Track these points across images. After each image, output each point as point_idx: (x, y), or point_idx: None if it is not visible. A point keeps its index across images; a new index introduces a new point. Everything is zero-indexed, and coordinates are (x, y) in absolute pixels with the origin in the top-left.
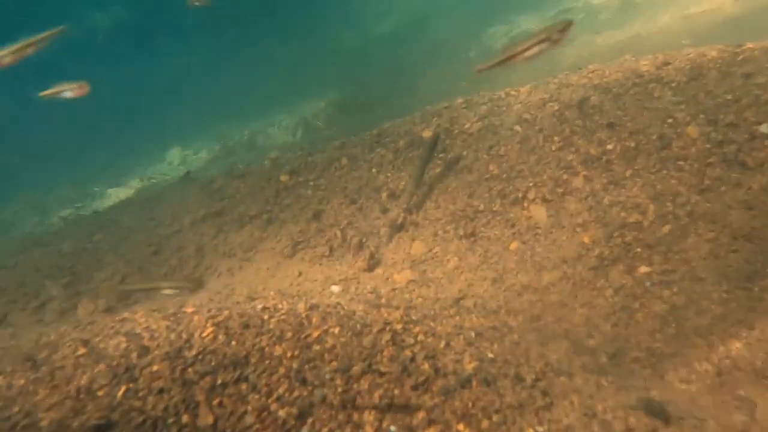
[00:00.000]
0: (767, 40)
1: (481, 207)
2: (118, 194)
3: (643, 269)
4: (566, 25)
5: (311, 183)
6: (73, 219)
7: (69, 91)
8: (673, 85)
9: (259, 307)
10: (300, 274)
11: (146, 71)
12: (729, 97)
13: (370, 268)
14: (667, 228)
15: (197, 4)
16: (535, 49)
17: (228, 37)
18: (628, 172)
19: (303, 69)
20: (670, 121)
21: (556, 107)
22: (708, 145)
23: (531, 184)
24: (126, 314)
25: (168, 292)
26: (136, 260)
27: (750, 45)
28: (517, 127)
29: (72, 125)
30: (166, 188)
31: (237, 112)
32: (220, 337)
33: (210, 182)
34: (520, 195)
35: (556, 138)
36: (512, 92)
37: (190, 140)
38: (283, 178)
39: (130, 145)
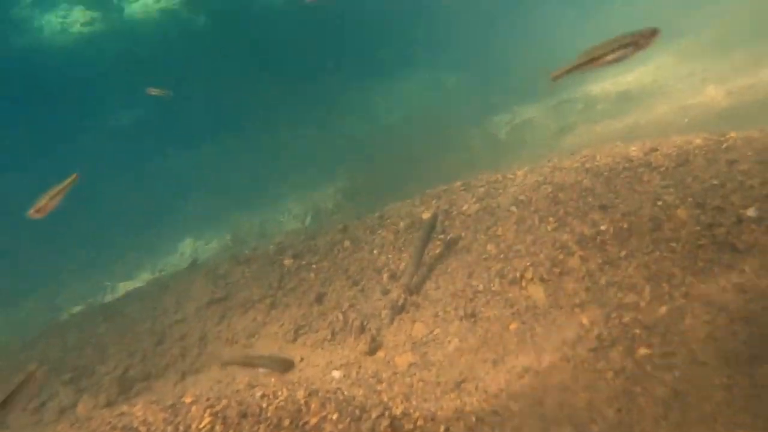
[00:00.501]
0: (750, 130)
1: (481, 287)
2: (129, 288)
3: (643, 351)
4: (654, 32)
5: (314, 266)
6: (80, 312)
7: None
8: (661, 169)
9: (258, 394)
10: (302, 359)
11: (162, 165)
12: (715, 182)
13: (372, 352)
14: (664, 309)
15: (154, 93)
16: (619, 53)
17: (241, 128)
18: (623, 253)
19: (313, 157)
20: (660, 203)
21: (550, 189)
22: (698, 228)
23: (528, 264)
24: (125, 408)
25: (261, 370)
26: (139, 351)
27: (733, 134)
28: (513, 209)
29: (87, 220)
30: (173, 277)
31: (248, 201)
32: (217, 427)
33: (215, 268)
34: (518, 275)
35: (551, 219)
36: (509, 175)
37: (202, 231)
38: (287, 262)
39: (144, 238)
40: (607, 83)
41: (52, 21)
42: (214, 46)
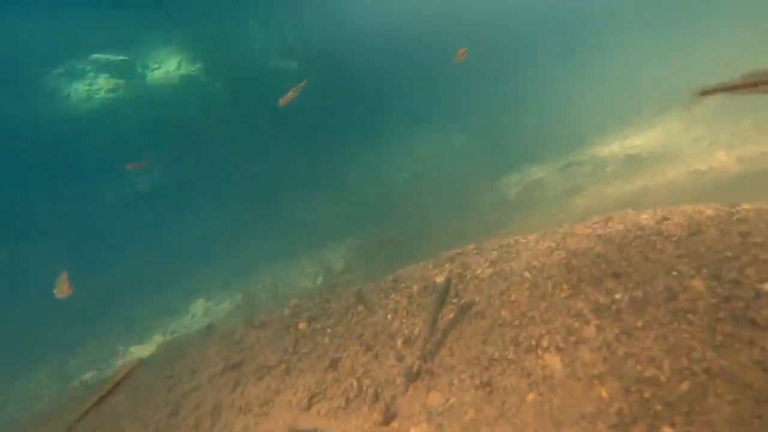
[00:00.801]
0: (761, 202)
1: (496, 355)
2: (141, 352)
3: (667, 431)
4: None
5: (329, 330)
6: (92, 382)
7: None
8: (674, 239)
9: None
10: (316, 430)
11: (177, 229)
12: (729, 254)
13: (386, 422)
14: (685, 385)
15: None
16: None
17: (253, 191)
18: (639, 323)
19: (325, 216)
20: (674, 273)
21: (563, 255)
22: (715, 300)
23: (544, 332)
24: None
25: None
26: (153, 423)
27: (745, 206)
28: (527, 274)
29: (97, 286)
30: (188, 342)
31: (260, 260)
32: None
33: (231, 333)
34: (533, 342)
35: (565, 285)
36: (521, 240)
37: (213, 291)
38: (302, 326)
39: (154, 299)
40: (615, 146)
41: (79, 89)
42: (230, 110)
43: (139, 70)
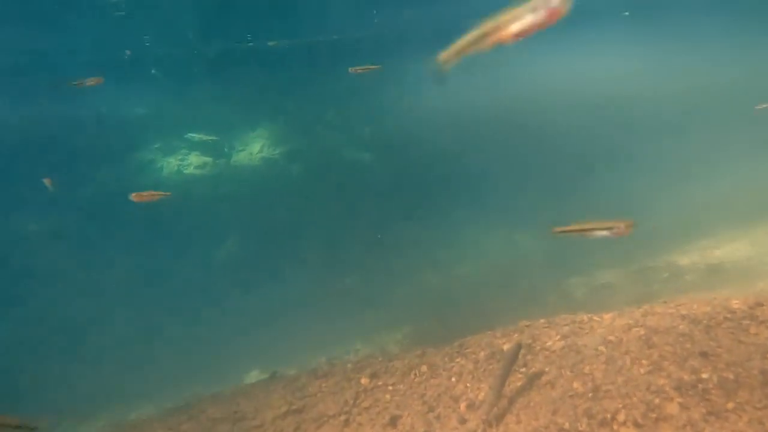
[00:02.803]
0: None
1: (567, 425)
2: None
3: None
4: None
5: (390, 387)
6: (165, 410)
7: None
8: None
9: None
10: None
11: (242, 298)
12: None
13: None
14: None
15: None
16: None
17: (316, 271)
18: (730, 405)
19: (383, 300)
20: None
21: (643, 332)
22: None
23: (620, 406)
24: None
25: None
26: None
27: None
28: (602, 348)
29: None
30: (253, 385)
31: (316, 338)
32: None
33: (294, 380)
34: (608, 416)
35: (644, 361)
36: (595, 317)
37: (268, 364)
38: (364, 380)
39: (211, 368)
40: (694, 255)
41: (171, 162)
42: (304, 193)
43: (226, 150)
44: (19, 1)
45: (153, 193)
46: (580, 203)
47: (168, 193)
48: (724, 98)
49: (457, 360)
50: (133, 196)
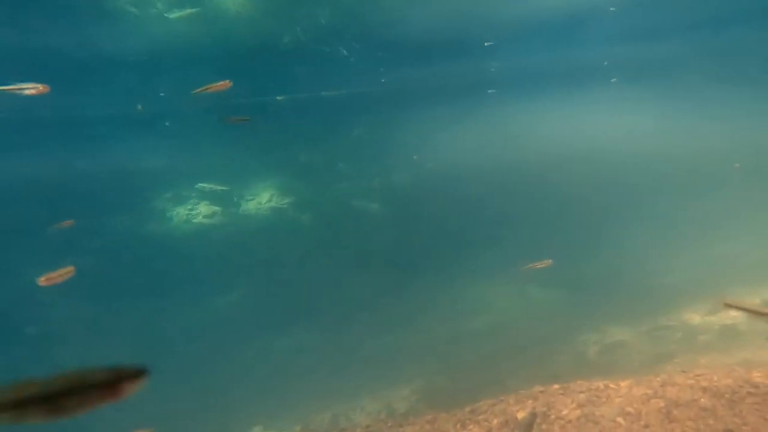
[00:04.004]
0: None
1: None
2: None
3: None
4: None
5: None
6: None
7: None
8: None
9: None
10: None
11: (244, 352)
12: None
13: None
14: None
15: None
16: None
17: (323, 323)
18: None
19: (391, 355)
20: None
21: (662, 404)
22: None
23: None
24: None
25: None
26: None
27: None
28: (621, 420)
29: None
30: None
31: (321, 393)
32: None
33: None
34: None
35: None
36: (611, 385)
37: (271, 420)
38: None
39: (212, 423)
40: (708, 314)
41: (180, 212)
42: (314, 242)
43: (236, 199)
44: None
45: (62, 272)
46: (591, 260)
47: (72, 268)
48: (729, 157)
49: (470, 427)
50: (42, 281)
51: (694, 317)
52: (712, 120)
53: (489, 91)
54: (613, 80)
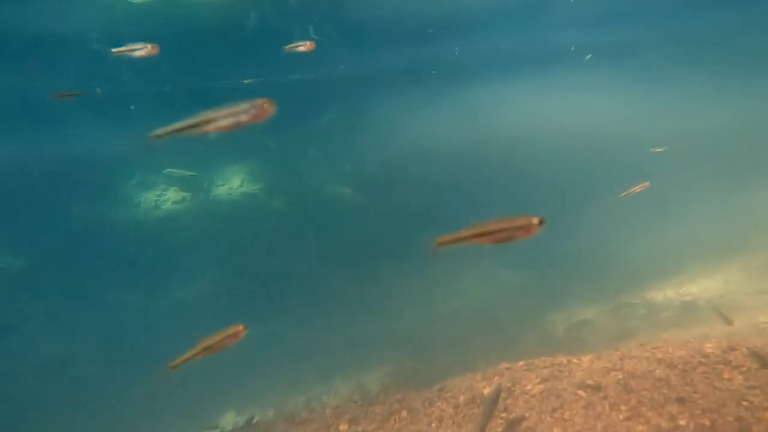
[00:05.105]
0: None
1: None
2: None
3: None
4: None
5: None
6: None
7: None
8: (743, 369)
9: None
10: None
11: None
12: None
13: None
14: None
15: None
16: None
17: (292, 309)
18: None
19: (363, 340)
20: (745, 404)
21: (621, 376)
22: None
23: None
24: None
25: None
26: None
27: None
28: (581, 393)
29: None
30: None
31: (294, 379)
32: None
33: (272, 426)
34: None
35: (623, 407)
36: (574, 360)
37: (244, 405)
38: (342, 427)
39: (185, 409)
40: (669, 291)
41: (149, 198)
42: (286, 227)
43: (206, 185)
44: None
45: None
46: (559, 240)
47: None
48: (695, 138)
49: (438, 404)
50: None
51: (657, 294)
52: (675, 102)
53: (432, 71)
54: (587, 57)
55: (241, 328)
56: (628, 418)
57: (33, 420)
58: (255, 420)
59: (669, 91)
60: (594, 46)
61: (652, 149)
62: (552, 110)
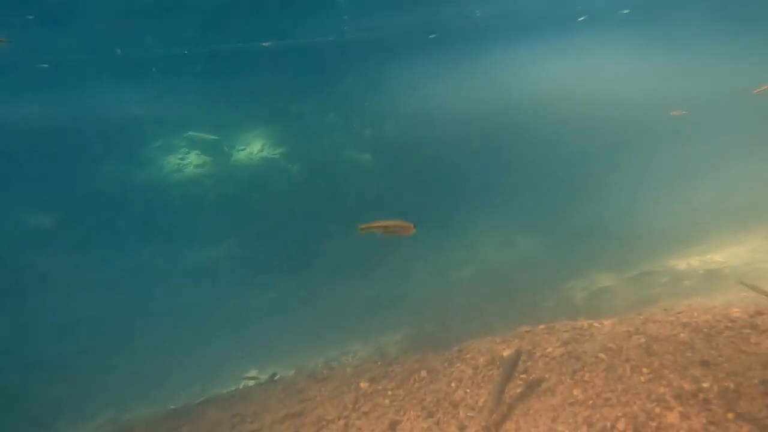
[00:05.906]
0: None
1: None
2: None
3: None
4: None
5: (390, 392)
6: (161, 415)
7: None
8: None
9: None
10: None
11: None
12: None
13: None
14: None
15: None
16: None
17: (314, 273)
18: (730, 415)
19: (382, 304)
20: None
21: (643, 340)
22: None
23: (620, 414)
24: None
25: None
26: None
27: None
28: (602, 355)
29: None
30: (252, 388)
31: (313, 339)
32: None
33: (293, 383)
34: (608, 424)
35: (644, 369)
36: (595, 324)
37: (266, 364)
38: (363, 385)
39: (208, 367)
40: (693, 259)
41: (171, 161)
42: (306, 192)
43: (227, 149)
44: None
45: None
46: (579, 207)
47: None
48: (721, 101)
49: (457, 365)
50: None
51: (680, 263)
52: (704, 64)
53: (430, 36)
54: (625, 11)
55: (412, 225)
56: (649, 380)
57: (64, 373)
58: (277, 377)
59: (698, 52)
60: (630, 3)
61: (671, 112)
62: (574, 73)
